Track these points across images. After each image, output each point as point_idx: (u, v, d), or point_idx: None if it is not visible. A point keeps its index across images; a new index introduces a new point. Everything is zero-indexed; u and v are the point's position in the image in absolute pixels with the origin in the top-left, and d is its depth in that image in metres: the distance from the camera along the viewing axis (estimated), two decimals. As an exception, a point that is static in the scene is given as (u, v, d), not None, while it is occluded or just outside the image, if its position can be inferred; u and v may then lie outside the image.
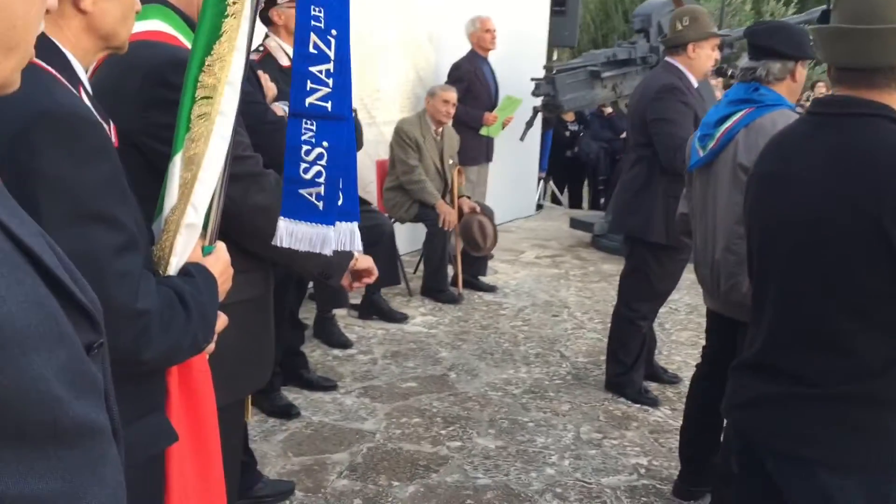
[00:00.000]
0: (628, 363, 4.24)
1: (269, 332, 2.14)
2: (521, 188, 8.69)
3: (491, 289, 6.10)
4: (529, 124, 7.10)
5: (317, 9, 1.53)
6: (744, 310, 2.91)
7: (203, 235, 1.49)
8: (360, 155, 4.82)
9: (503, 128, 6.64)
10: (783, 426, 1.69)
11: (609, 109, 8.88)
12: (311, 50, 1.55)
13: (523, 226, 8.46)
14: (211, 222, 1.50)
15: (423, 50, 6.88)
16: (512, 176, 8.02)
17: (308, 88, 1.58)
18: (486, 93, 6.59)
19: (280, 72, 3.57)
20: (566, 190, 10.50)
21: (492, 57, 6.72)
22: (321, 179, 1.61)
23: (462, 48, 6.59)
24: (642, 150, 3.92)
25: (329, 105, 1.58)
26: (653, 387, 4.40)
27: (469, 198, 6.03)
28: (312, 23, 1.54)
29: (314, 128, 1.59)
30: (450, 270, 5.96)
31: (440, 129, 5.84)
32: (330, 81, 1.57)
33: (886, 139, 1.56)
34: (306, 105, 1.57)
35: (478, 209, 5.90)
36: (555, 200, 10.31)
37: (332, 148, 1.60)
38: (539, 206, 9.40)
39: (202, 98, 1.42)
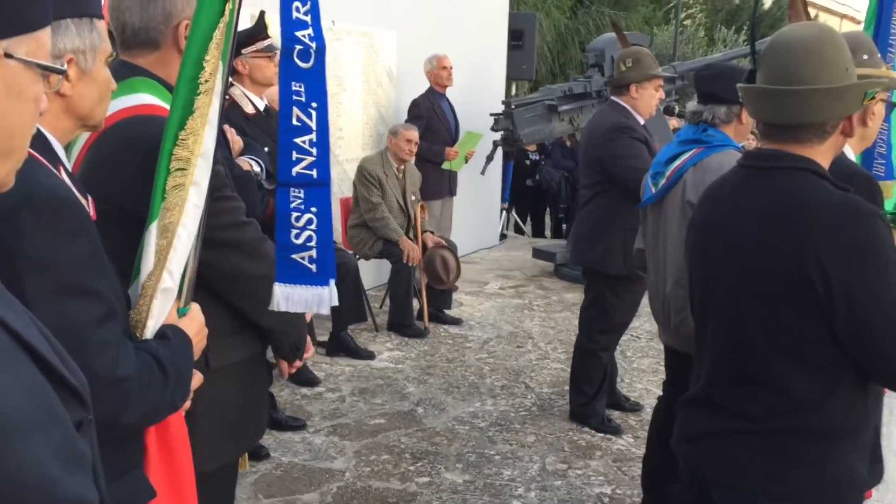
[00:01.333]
0: (591, 393, 4.36)
1: (266, 386, 2.21)
2: (484, 219, 8.83)
3: (456, 321, 6.19)
4: (490, 158, 7.25)
5: (297, 84, 1.65)
6: (693, 344, 3.04)
7: (178, 298, 1.57)
8: (323, 194, 4.95)
9: (466, 161, 6.78)
10: (727, 460, 1.80)
11: (570, 142, 9.09)
12: (295, 122, 1.67)
13: (487, 256, 8.58)
14: (185, 286, 1.58)
15: (384, 88, 7.01)
16: (475, 208, 8.15)
17: (294, 158, 1.68)
18: (445, 129, 6.73)
19: (245, 119, 3.67)
20: (529, 219, 10.67)
21: (452, 91, 6.87)
22: (312, 243, 1.72)
23: (422, 85, 6.73)
24: (597, 186, 4.07)
25: (314, 172, 1.69)
26: (615, 415, 4.52)
27: (432, 233, 6.14)
28: (294, 97, 1.66)
29: (302, 195, 1.70)
30: (416, 304, 6.05)
31: (402, 167, 5.95)
32: (314, 151, 1.69)
33: (810, 192, 1.69)
34: (293, 174, 1.68)
35: (441, 243, 6.01)
36: (518, 230, 10.47)
37: (321, 213, 1.71)
38: (502, 237, 9.55)
39: (176, 170, 1.51)
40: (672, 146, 3.16)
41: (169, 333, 1.51)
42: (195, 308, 1.61)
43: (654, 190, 3.15)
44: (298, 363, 2.12)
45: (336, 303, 1.76)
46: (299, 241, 1.70)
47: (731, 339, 1.79)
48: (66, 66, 1.25)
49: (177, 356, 1.48)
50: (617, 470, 3.95)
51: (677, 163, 3.05)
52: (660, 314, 3.18)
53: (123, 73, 1.68)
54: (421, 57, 6.76)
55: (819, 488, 1.72)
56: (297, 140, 1.67)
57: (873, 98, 1.72)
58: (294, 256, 1.70)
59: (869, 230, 1.62)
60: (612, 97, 4.14)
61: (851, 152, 2.24)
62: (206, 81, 1.51)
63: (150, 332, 1.50)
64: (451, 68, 6.66)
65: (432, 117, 6.63)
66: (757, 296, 1.71)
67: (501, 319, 6.37)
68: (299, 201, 1.69)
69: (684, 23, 22.63)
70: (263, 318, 1.86)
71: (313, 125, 1.68)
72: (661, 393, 3.53)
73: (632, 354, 5.58)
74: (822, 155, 1.75)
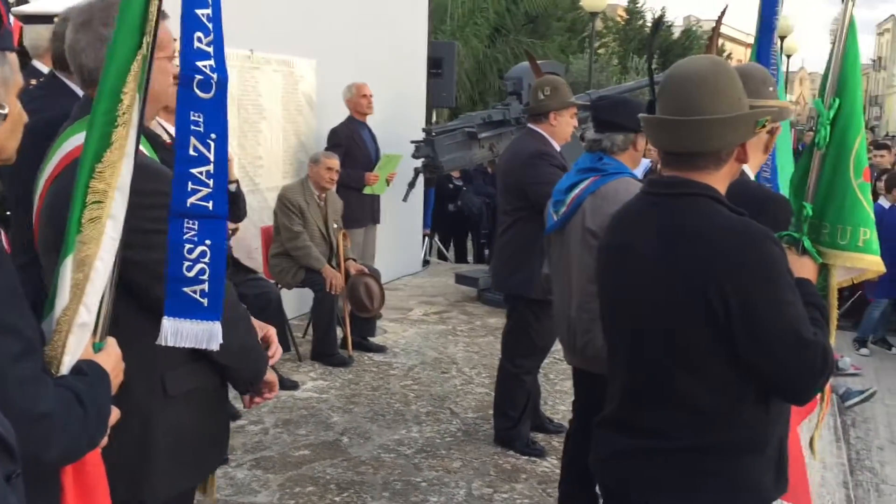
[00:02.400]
0: (515, 417, 4.40)
1: (226, 410, 2.19)
2: (407, 246, 8.86)
3: (381, 349, 6.18)
4: (411, 185, 7.30)
5: (196, 114, 1.63)
6: (600, 364, 3.13)
7: (94, 333, 1.54)
8: (244, 222, 4.90)
9: (388, 184, 6.81)
10: (641, 478, 1.86)
11: (491, 169, 9.22)
12: (192, 152, 1.64)
13: (410, 283, 8.60)
14: (101, 320, 1.55)
15: (304, 116, 7.00)
16: (397, 234, 8.17)
17: (189, 189, 1.66)
18: (364, 157, 6.75)
19: (163, 148, 3.61)
20: (451, 245, 10.75)
21: (373, 120, 6.90)
22: (205, 276, 1.69)
23: (343, 113, 6.75)
24: (518, 212, 4.15)
25: (210, 204, 1.67)
26: (539, 437, 4.58)
27: (355, 260, 6.13)
28: (192, 127, 1.64)
29: (196, 227, 1.67)
30: (339, 333, 6.02)
31: (323, 195, 5.94)
32: (210, 182, 1.67)
33: (709, 217, 1.77)
34: (188, 205, 1.64)
35: (364, 270, 6.00)
36: (441, 256, 10.53)
37: (214, 246, 1.68)
38: (425, 263, 9.59)
39: (93, 202, 1.49)
40: (571, 175, 3.28)
41: (85, 368, 1.48)
42: (111, 342, 1.59)
43: (556, 217, 3.26)
44: (259, 399, 2.11)
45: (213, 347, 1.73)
46: (191, 274, 1.67)
47: (641, 359, 1.86)
48: None
49: (95, 391, 1.45)
50: (542, 492, 4.00)
51: (576, 191, 3.17)
52: (565, 337, 3.27)
53: (87, 110, 1.65)
54: (341, 85, 6.78)
55: (727, 502, 1.79)
56: (194, 171, 1.64)
57: (764, 126, 1.81)
58: (185, 289, 1.67)
59: (765, 251, 1.72)
60: (530, 125, 4.24)
61: (751, 172, 2.35)
62: (124, 114, 1.50)
63: (65, 367, 1.47)
64: (370, 96, 6.70)
65: (352, 145, 6.65)
66: (663, 317, 1.78)
67: (426, 346, 6.39)
68: (193, 233, 1.66)
69: (598, 52, 23.30)
70: (215, 354, 1.81)
71: (211, 156, 1.66)
72: None
73: (554, 377, 5.66)
74: (719, 181, 1.84)
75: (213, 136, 1.64)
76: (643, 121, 1.88)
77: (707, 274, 1.70)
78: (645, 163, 5.13)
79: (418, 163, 7.15)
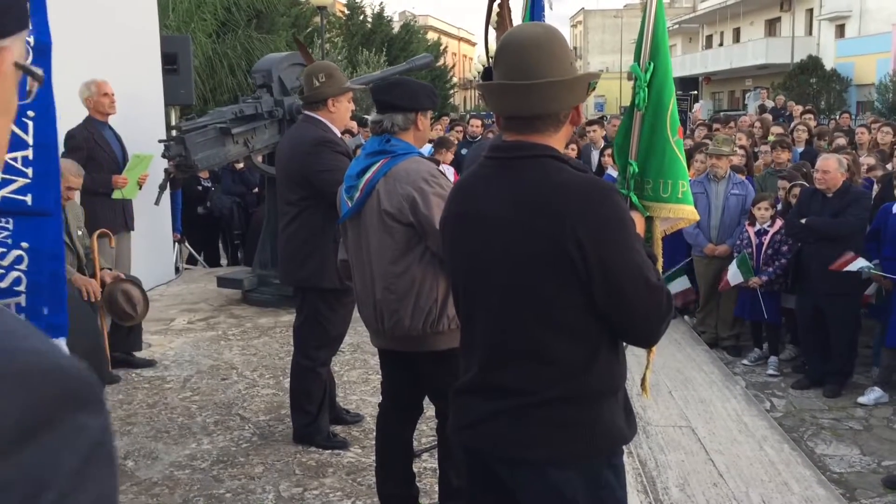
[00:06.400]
0: (314, 412, 4.30)
1: None
2: (159, 253, 8.31)
3: (149, 363, 5.74)
4: (162, 187, 6.84)
5: None
6: (409, 343, 3.17)
7: None
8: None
9: (140, 187, 6.33)
10: (512, 435, 1.90)
11: (240, 164, 8.86)
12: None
13: (166, 292, 8.08)
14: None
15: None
16: (149, 241, 7.64)
17: (0, 180, 1.40)
18: (110, 158, 6.24)
19: None
20: (202, 250, 10.23)
21: (113, 120, 6.37)
22: (21, 287, 1.42)
23: (81, 114, 6.16)
24: (302, 202, 4.03)
25: (29, 198, 1.43)
26: (339, 429, 4.51)
27: (110, 269, 5.63)
28: None
29: (11, 226, 1.41)
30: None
31: (63, 204, 5.38)
32: (28, 171, 1.42)
33: (558, 175, 1.85)
34: None
35: (121, 276, 5.54)
36: (191, 261, 9.99)
37: (34, 250, 1.43)
38: (177, 270, 9.05)
39: None
40: (361, 159, 3.27)
41: None
42: None
43: (349, 203, 3.23)
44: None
45: None
46: (3, 284, 1.41)
47: (504, 321, 1.89)
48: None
49: None
50: (353, 482, 3.94)
51: (368, 175, 3.16)
52: (371, 320, 3.25)
53: None
54: (74, 85, 6.17)
55: (592, 446, 1.88)
56: (7, 157, 1.39)
57: (594, 89, 1.91)
58: None
59: (614, 203, 1.83)
60: (307, 111, 4.12)
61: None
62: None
63: None
64: (112, 94, 6.19)
65: (94, 147, 6.11)
66: (523, 276, 1.83)
67: (198, 354, 6.04)
68: (6, 234, 1.40)
69: (326, 46, 23.33)
70: None
71: (29, 139, 1.42)
72: (375, 401, 3.59)
73: (339, 368, 5.60)
74: (558, 142, 1.93)
75: (30, 113, 1.40)
76: (483, 88, 1.90)
77: (564, 228, 1.77)
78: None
79: (167, 163, 6.72)
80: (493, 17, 2.91)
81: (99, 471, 0.47)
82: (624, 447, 2.00)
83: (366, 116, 5.10)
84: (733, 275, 6.76)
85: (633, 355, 2.86)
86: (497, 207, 1.87)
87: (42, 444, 0.43)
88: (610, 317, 1.83)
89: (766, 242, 6.77)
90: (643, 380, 2.57)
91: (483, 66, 2.19)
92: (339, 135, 4.10)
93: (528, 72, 1.83)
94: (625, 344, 1.96)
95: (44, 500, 0.42)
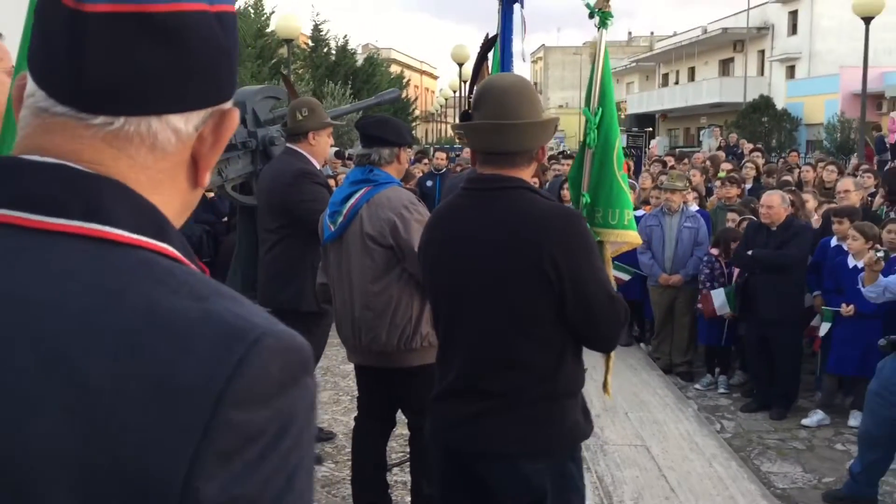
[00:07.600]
0: (289, 429, 4.49)
1: None
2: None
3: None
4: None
5: None
6: (384, 359, 3.44)
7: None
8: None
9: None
10: (491, 434, 2.17)
11: (211, 193, 9.04)
12: None
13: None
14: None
15: None
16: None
17: None
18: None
19: None
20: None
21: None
22: None
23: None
24: (283, 230, 4.29)
25: None
26: (312, 447, 4.71)
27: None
28: None
29: None
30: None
31: None
32: None
33: (534, 205, 2.15)
34: None
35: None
36: (159, 288, 10.08)
37: None
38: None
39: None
40: (344, 187, 3.56)
41: None
42: None
43: (332, 228, 3.50)
44: None
45: None
46: None
47: (483, 332, 2.17)
48: None
49: None
50: (328, 495, 4.16)
51: (352, 201, 3.45)
52: (349, 337, 3.51)
53: None
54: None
55: (559, 441, 2.17)
56: None
57: (558, 129, 2.23)
58: None
59: (581, 228, 2.16)
60: (289, 145, 4.40)
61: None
62: None
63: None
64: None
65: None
66: (502, 292, 2.12)
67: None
68: None
69: (291, 77, 23.61)
70: None
71: None
72: (346, 420, 3.83)
73: (311, 390, 5.80)
74: (528, 176, 2.24)
75: None
76: (465, 127, 2.20)
77: (541, 250, 2.06)
78: None
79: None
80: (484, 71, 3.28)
81: (314, 415, 0.74)
82: (583, 461, 2.29)
83: (340, 149, 5.38)
84: (721, 305, 7.02)
85: (591, 376, 3.15)
86: (478, 232, 2.16)
87: (289, 394, 0.68)
88: (577, 325, 2.13)
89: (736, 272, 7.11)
90: (605, 383, 2.87)
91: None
92: (319, 166, 4.37)
93: (511, 114, 2.14)
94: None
95: (292, 429, 0.68)
